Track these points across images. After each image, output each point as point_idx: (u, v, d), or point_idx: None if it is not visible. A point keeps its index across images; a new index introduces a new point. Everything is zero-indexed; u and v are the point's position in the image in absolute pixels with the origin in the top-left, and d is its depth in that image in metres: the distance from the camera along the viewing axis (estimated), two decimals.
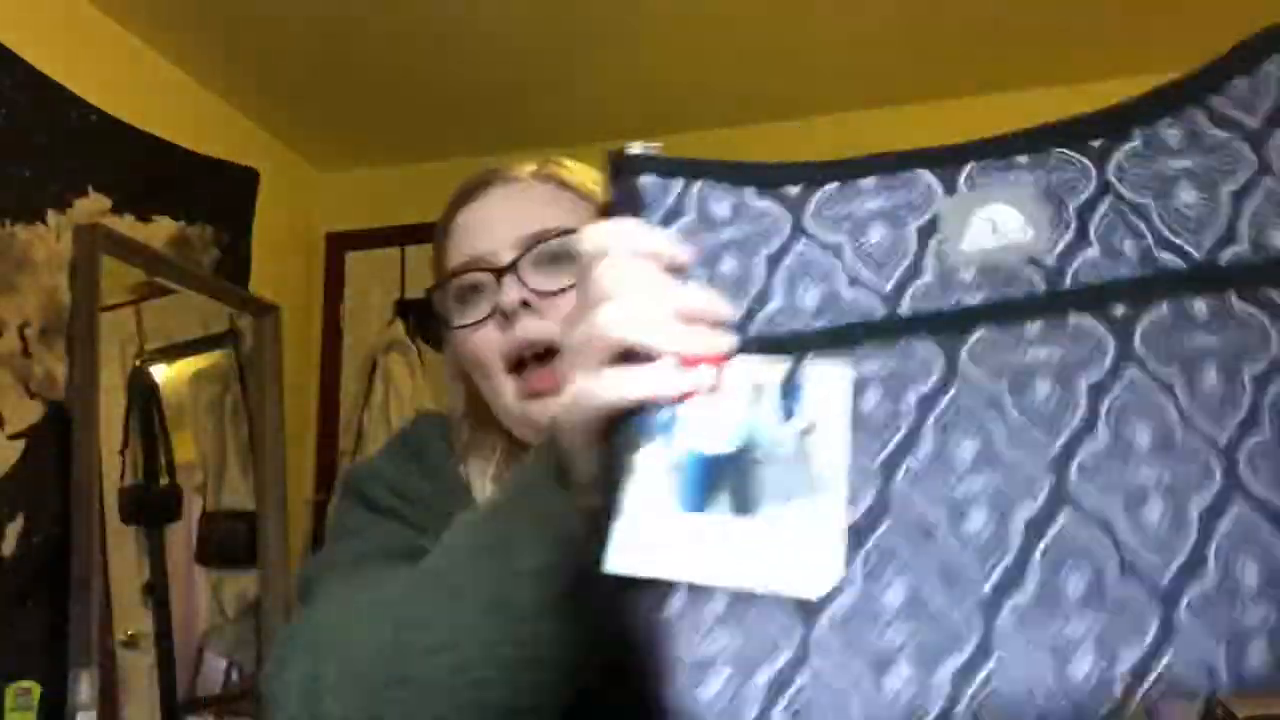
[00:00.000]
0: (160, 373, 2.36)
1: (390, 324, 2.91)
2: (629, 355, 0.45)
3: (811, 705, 0.40)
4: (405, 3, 2.25)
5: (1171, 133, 0.45)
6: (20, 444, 1.93)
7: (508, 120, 2.79)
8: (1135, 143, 0.45)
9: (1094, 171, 0.45)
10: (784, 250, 0.46)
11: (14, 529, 1.89)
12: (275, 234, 2.82)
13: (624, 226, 0.47)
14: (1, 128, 1.95)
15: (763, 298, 0.46)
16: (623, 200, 0.48)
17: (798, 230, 0.46)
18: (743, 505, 0.41)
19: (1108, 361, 0.42)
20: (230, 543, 2.47)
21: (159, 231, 2.37)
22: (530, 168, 0.83)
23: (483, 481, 0.79)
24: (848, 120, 2.87)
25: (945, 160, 0.46)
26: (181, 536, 2.33)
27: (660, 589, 0.42)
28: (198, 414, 2.48)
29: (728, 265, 0.46)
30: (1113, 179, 0.45)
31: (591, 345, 0.45)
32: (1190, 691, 0.39)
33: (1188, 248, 0.43)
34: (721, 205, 0.47)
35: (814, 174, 0.47)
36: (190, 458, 2.41)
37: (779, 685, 0.40)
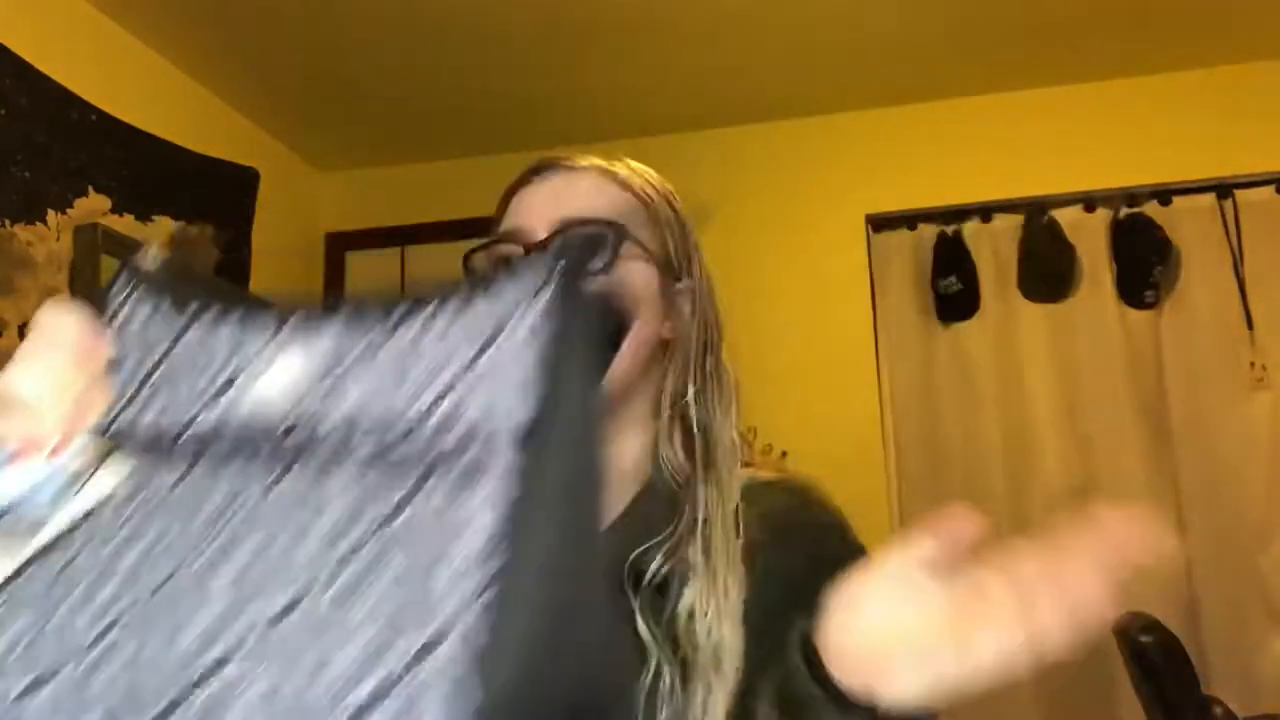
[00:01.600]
0: None
1: None
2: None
3: None
4: (405, 4, 2.25)
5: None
6: None
7: (507, 121, 2.79)
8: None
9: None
10: (156, 365, 0.52)
11: None
12: (275, 234, 2.82)
13: (66, 315, 0.53)
14: (1, 128, 1.95)
15: (128, 402, 0.52)
16: (92, 297, 0.55)
17: (172, 345, 0.52)
18: None
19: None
20: None
21: (159, 231, 2.37)
22: (592, 159, 0.83)
23: None
24: (846, 120, 2.87)
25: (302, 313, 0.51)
26: None
27: None
28: None
29: (120, 373, 0.53)
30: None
31: None
32: None
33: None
34: (140, 310, 0.54)
35: (211, 297, 0.53)
36: None
37: None
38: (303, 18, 2.29)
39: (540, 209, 0.78)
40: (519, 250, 0.77)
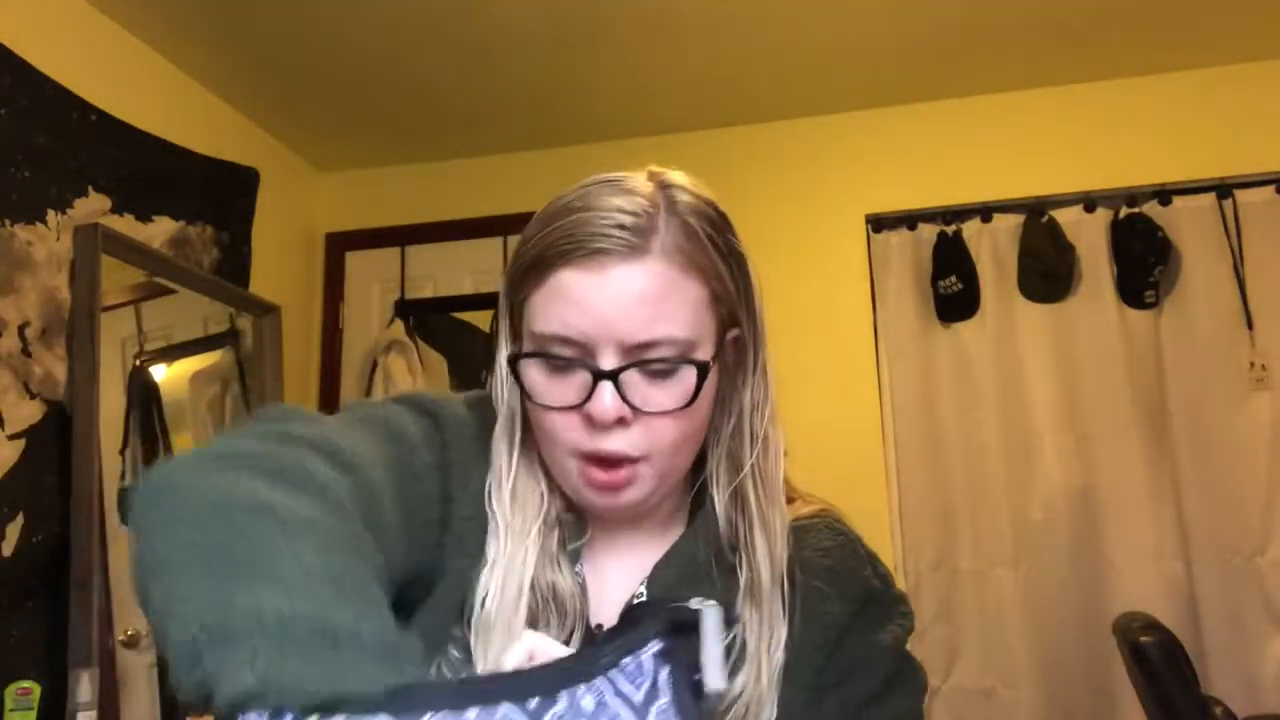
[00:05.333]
0: (160, 373, 2.36)
1: (390, 324, 2.91)
2: None
3: None
4: (405, 5, 2.25)
5: (586, 700, 0.54)
6: (20, 444, 1.93)
7: (507, 121, 2.79)
8: (560, 705, 0.54)
9: None
10: None
11: (14, 529, 1.89)
12: (275, 234, 2.82)
13: None
14: (1, 128, 1.95)
15: None
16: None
17: None
18: None
19: None
20: None
21: (159, 231, 2.38)
22: (659, 230, 0.71)
23: (499, 491, 0.76)
24: (846, 120, 2.87)
25: (411, 706, 0.52)
26: None
27: None
28: (198, 414, 2.48)
29: None
30: None
31: None
32: None
33: None
34: None
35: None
36: None
37: None
38: (303, 18, 2.29)
39: (602, 322, 0.69)
40: (586, 374, 0.70)
